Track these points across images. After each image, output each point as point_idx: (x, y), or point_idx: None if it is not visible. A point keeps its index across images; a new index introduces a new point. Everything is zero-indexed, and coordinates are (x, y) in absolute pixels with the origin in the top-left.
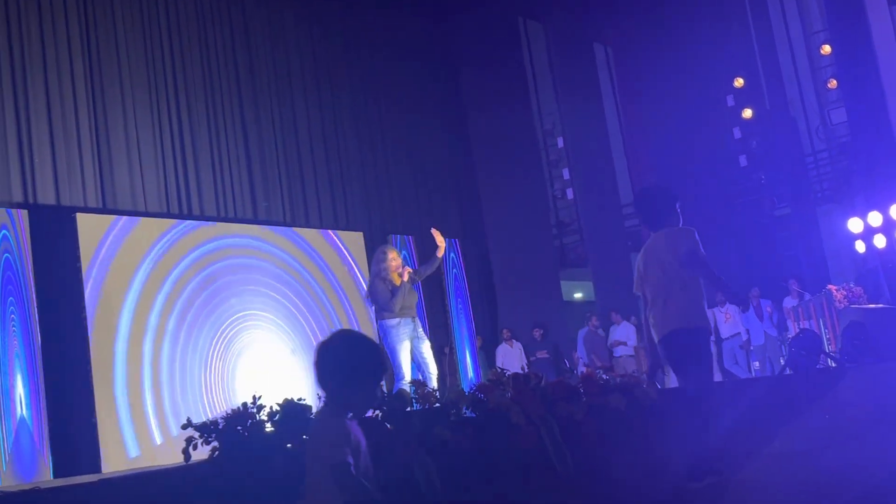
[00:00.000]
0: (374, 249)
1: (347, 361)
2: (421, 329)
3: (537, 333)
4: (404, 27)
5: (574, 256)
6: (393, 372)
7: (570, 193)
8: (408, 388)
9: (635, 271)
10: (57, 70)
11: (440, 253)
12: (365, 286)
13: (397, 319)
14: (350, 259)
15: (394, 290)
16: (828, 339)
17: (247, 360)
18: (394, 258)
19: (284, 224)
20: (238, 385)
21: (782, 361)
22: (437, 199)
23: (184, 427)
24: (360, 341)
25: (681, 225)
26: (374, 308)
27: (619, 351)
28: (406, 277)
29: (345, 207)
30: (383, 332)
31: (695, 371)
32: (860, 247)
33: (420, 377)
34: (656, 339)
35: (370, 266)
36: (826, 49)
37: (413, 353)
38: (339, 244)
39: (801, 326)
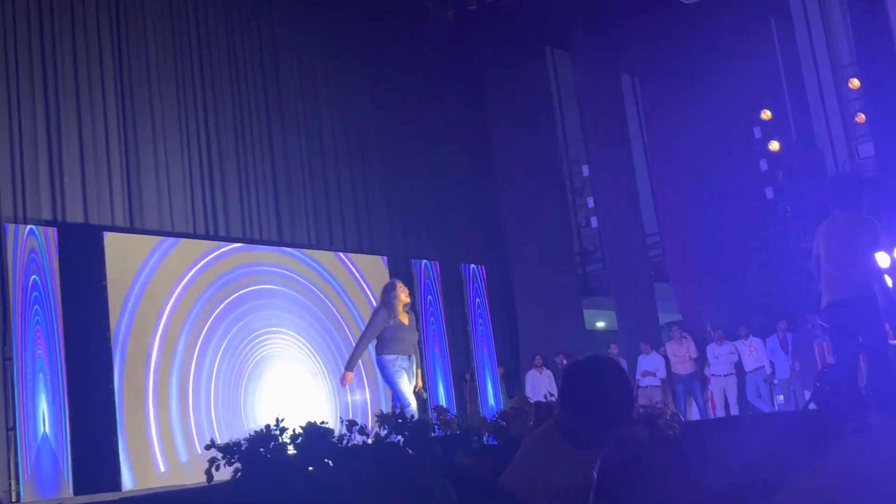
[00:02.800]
0: (398, 273)
1: (569, 386)
2: (415, 367)
3: (560, 361)
4: (431, 55)
5: (597, 285)
6: (401, 403)
7: (594, 222)
8: (415, 412)
9: (814, 245)
10: (89, 91)
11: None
12: None
13: (394, 356)
14: (377, 282)
15: (395, 326)
16: None
17: (267, 382)
18: (402, 289)
19: (308, 247)
20: (258, 408)
21: (807, 396)
22: (460, 225)
23: (207, 447)
24: (591, 372)
25: (865, 211)
26: (373, 344)
27: (646, 381)
28: (406, 321)
29: (369, 232)
30: (381, 366)
31: (868, 333)
32: (888, 281)
33: (398, 407)
34: (823, 304)
35: (381, 297)
36: (854, 83)
37: None
38: (365, 268)
39: (828, 361)
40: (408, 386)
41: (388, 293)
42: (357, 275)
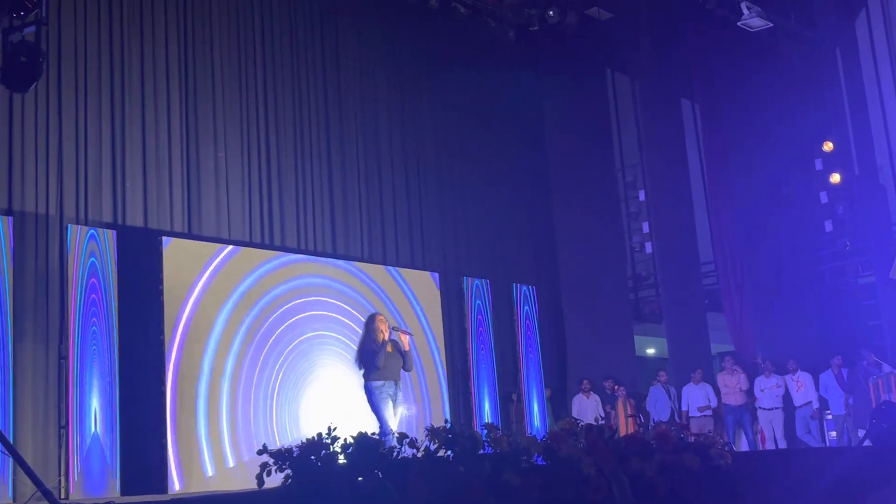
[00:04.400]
0: (449, 290)
1: None
2: (401, 394)
3: (608, 386)
4: (490, 74)
5: (649, 311)
6: (382, 431)
7: (648, 247)
8: (395, 443)
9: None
10: (154, 99)
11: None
12: (440, 326)
13: (381, 382)
14: (428, 298)
15: (378, 354)
16: None
17: (316, 391)
18: (382, 321)
19: (361, 260)
20: (305, 417)
21: (860, 433)
22: (513, 244)
23: (259, 452)
24: None
25: None
26: (361, 371)
27: (698, 411)
28: (390, 349)
29: (422, 248)
30: (368, 392)
31: None
32: None
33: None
34: None
35: (364, 328)
36: None
37: None
38: (418, 282)
39: (883, 399)
40: (391, 413)
41: (368, 325)
42: (414, 289)
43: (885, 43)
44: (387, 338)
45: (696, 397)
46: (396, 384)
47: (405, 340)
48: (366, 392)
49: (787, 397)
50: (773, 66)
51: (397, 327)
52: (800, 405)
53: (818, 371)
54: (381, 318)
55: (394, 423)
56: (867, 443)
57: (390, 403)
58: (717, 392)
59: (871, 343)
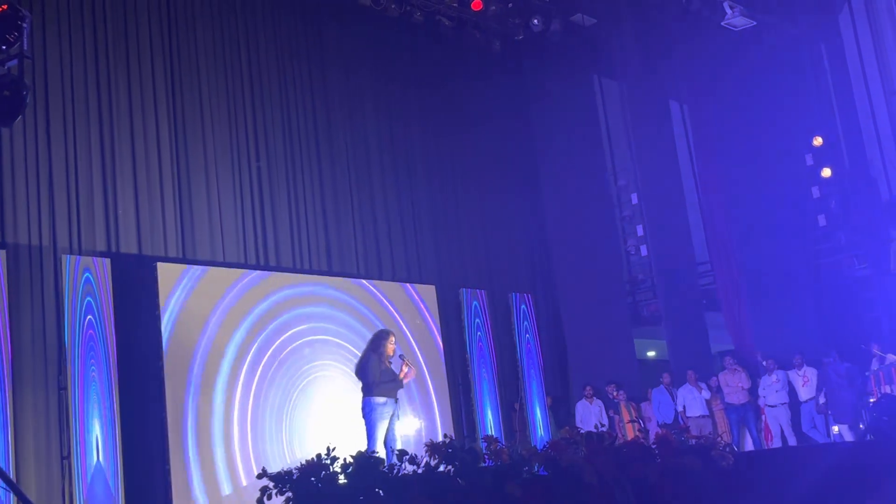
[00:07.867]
0: (446, 303)
1: None
2: (400, 410)
3: (610, 391)
4: (478, 85)
5: (647, 314)
6: (370, 448)
7: (643, 250)
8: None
9: None
10: (143, 126)
11: (404, 378)
12: (439, 339)
13: (384, 399)
14: (425, 312)
15: (384, 371)
16: None
17: (317, 411)
18: (391, 341)
19: (357, 276)
20: (308, 436)
21: (862, 427)
22: (508, 253)
23: (259, 476)
24: None
25: None
26: (361, 384)
27: (693, 412)
28: (389, 364)
29: (417, 261)
30: (369, 407)
31: None
32: None
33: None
34: None
35: (372, 343)
36: None
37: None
38: (415, 296)
39: (882, 391)
40: (383, 434)
41: (379, 341)
42: (408, 303)
43: (869, 35)
44: (391, 356)
45: (693, 398)
46: (396, 401)
47: (404, 371)
48: (365, 407)
49: (792, 393)
50: (759, 64)
51: (405, 357)
52: (805, 400)
53: (818, 366)
54: (393, 338)
55: (387, 441)
56: (869, 437)
57: (387, 422)
58: (720, 391)
59: (869, 336)
